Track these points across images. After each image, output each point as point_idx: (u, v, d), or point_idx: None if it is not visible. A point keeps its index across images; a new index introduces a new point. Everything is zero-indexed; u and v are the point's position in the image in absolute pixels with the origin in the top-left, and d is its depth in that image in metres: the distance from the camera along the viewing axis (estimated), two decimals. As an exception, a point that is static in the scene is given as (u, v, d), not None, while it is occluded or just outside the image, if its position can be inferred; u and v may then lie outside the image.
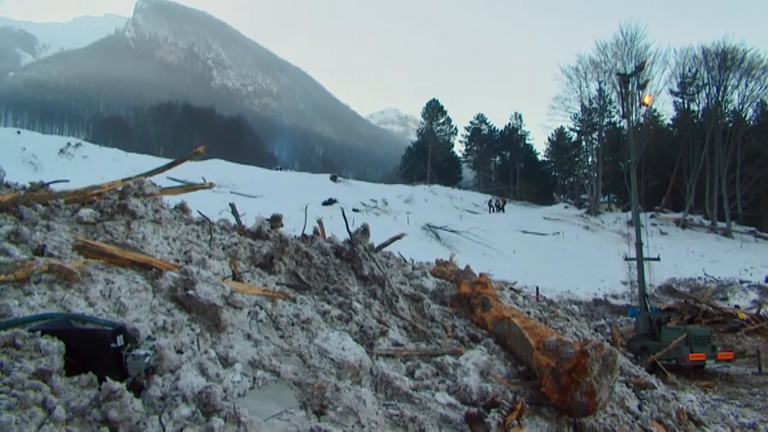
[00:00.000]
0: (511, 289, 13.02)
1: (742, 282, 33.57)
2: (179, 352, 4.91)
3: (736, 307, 25.95)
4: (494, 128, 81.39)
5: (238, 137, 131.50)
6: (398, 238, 10.39)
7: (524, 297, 12.17)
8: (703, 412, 8.40)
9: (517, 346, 7.31)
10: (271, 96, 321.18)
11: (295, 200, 33.48)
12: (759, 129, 56.29)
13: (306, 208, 10.90)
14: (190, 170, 32.18)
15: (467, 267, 10.71)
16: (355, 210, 42.18)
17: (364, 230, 9.21)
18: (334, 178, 59.49)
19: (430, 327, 8.08)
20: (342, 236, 9.60)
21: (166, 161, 10.59)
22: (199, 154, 9.81)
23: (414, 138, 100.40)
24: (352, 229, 9.30)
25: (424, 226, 39.18)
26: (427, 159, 76.20)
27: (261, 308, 6.25)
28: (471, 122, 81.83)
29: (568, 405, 6.04)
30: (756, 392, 12.76)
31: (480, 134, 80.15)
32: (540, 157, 78.41)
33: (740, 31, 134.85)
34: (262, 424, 4.30)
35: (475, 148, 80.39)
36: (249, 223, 9.24)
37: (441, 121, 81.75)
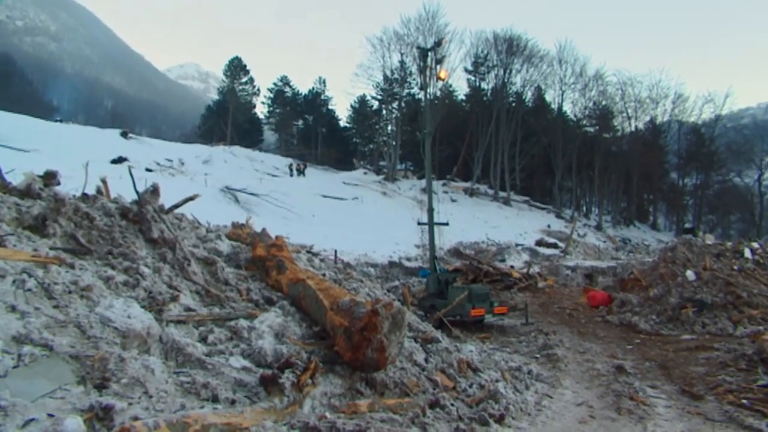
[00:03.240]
0: (308, 252, 13.13)
1: (517, 245, 37.68)
2: None
3: (511, 267, 29.00)
4: (298, 91, 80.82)
5: (4, 80, 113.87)
6: (191, 199, 9.88)
7: (321, 260, 12.36)
8: (480, 360, 9.24)
9: (312, 307, 7.42)
10: (48, 35, 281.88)
11: (79, 157, 30.07)
12: (535, 111, 63.32)
13: (87, 165, 9.84)
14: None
15: (263, 230, 10.56)
16: (148, 170, 39.45)
17: (154, 190, 8.60)
18: (125, 135, 54.86)
19: (224, 291, 7.86)
20: (132, 197, 8.87)
21: None
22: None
23: (215, 96, 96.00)
24: (141, 189, 8.64)
25: (222, 188, 37.92)
26: (227, 119, 73.49)
27: (30, 276, 5.55)
28: (275, 84, 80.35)
29: (360, 362, 6.28)
30: (522, 340, 14.43)
31: (283, 96, 79.08)
32: (342, 123, 79.68)
33: (524, 22, 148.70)
34: (29, 405, 3.85)
35: (278, 110, 79.15)
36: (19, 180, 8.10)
37: (244, 80, 79.20)
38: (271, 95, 79.62)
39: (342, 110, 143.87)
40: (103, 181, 9.23)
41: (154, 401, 4.73)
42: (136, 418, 4.18)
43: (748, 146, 69.82)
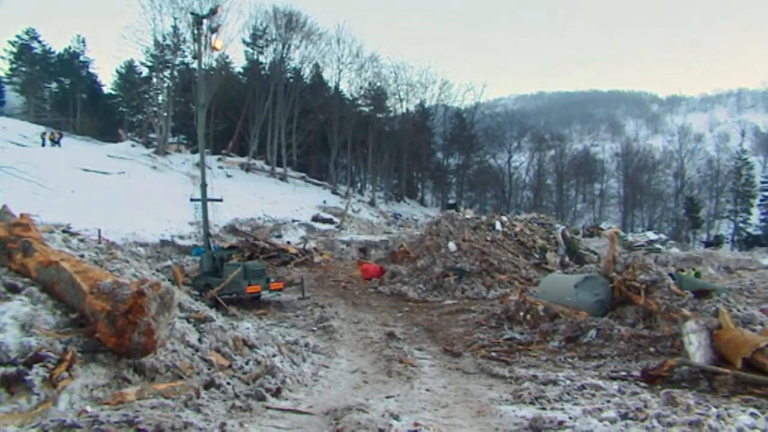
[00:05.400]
0: (64, 231, 11.78)
1: (293, 221, 38.00)
2: None
3: (288, 243, 29.22)
4: (50, 49, 70.90)
5: None
6: None
7: (81, 240, 11.15)
8: (257, 337, 9.15)
9: (68, 292, 6.64)
10: None
11: None
12: (313, 88, 64.01)
13: None
14: None
15: (4, 207, 9.17)
16: None
17: None
18: None
19: (-50, 280, 6.69)
20: None
21: None
22: None
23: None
24: None
25: (-49, 159, 32.33)
26: (-49, 74, 62.11)
27: None
28: (19, 37, 69.16)
29: (126, 347, 5.86)
30: (299, 314, 14.65)
31: (31, 53, 68.46)
32: (106, 90, 72.33)
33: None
34: None
35: (24, 69, 68.75)
36: None
37: (-22, 31, 67.55)
38: (15, 50, 68.72)
39: (106, 75, 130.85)
40: None
41: None
42: None
43: (501, 132, 79.22)
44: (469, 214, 28.89)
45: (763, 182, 76.30)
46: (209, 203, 17.47)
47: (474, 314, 14.45)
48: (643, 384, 7.89)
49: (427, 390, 7.84)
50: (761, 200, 74.44)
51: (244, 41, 61.62)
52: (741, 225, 73.49)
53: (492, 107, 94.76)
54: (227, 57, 60.82)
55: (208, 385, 6.43)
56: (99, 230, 22.16)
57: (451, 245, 20.59)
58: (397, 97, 70.63)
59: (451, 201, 72.52)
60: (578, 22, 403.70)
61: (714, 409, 6.12)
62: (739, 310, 10.52)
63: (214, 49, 20.23)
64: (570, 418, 6.15)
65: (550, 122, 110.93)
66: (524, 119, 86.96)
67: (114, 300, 5.80)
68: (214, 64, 51.93)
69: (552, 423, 5.89)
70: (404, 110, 72.02)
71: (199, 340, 7.67)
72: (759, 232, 71.22)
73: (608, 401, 6.78)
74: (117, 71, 67.47)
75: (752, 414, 5.93)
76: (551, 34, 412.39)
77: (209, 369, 6.97)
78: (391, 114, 70.26)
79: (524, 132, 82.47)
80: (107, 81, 73.11)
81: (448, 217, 24.83)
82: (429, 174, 79.36)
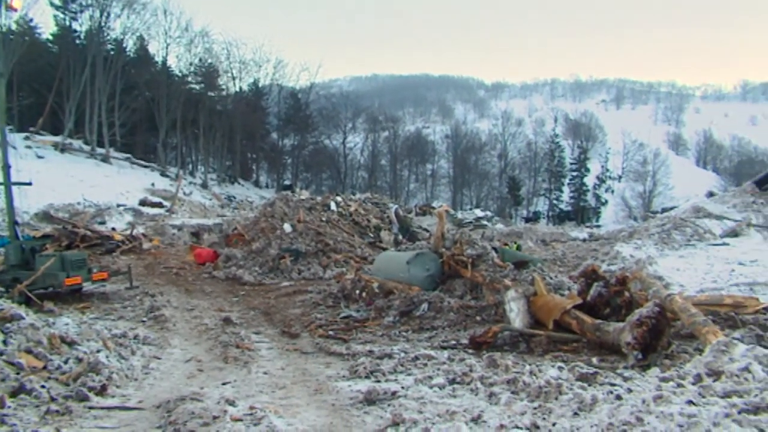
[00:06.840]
0: None
1: (119, 206, 35.35)
2: None
3: (113, 229, 27.27)
4: None
5: None
6: None
7: None
8: (78, 333, 8.46)
9: None
10: None
11: None
12: (138, 61, 59.24)
13: None
14: None
15: None
16: None
17: None
18: None
19: None
20: None
21: None
22: None
23: None
24: None
25: None
26: None
27: None
28: None
29: None
30: (128, 305, 13.69)
31: None
32: None
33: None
34: None
35: None
36: None
37: None
38: None
39: None
40: None
41: None
42: None
43: (336, 113, 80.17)
44: (305, 195, 28.97)
45: (571, 164, 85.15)
46: (15, 187, 15.69)
47: (311, 295, 14.55)
48: (470, 350, 8.51)
49: (265, 373, 7.78)
50: (570, 180, 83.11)
51: (52, 4, 54.65)
52: (555, 202, 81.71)
53: (327, 88, 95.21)
54: (31, 20, 54.04)
55: (16, 391, 5.85)
56: None
57: (287, 227, 20.49)
58: (229, 75, 68.38)
59: (287, 182, 72.09)
60: (410, 7, 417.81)
61: (528, 367, 6.82)
62: (551, 278, 11.70)
63: (10, 8, 18.03)
64: (403, 387, 6.47)
65: (384, 104, 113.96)
66: (359, 100, 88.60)
67: None
68: (15, 27, 45.80)
69: (386, 394, 6.16)
70: (237, 89, 69.99)
71: (5, 342, 6.94)
72: (569, 209, 79.79)
73: (438, 369, 7.21)
74: None
75: (559, 367, 6.72)
76: (385, 16, 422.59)
77: (18, 373, 6.32)
78: (224, 93, 67.84)
79: (359, 113, 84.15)
80: None
81: (283, 198, 24.67)
82: (264, 155, 77.88)
